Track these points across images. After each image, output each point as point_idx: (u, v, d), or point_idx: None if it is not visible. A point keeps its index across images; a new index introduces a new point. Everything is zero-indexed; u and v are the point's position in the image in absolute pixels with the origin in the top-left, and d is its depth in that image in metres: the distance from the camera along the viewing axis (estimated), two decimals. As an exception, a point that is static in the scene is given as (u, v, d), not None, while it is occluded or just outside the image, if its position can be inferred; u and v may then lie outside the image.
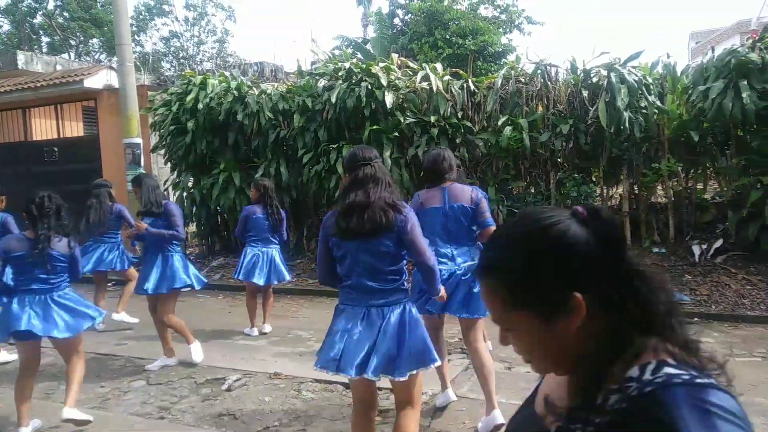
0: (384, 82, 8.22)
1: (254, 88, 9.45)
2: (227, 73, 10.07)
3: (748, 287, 6.51)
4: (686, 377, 0.84)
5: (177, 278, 4.98)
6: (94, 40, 28.56)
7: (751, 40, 7.30)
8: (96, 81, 11.40)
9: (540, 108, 8.10)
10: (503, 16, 18.79)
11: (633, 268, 0.96)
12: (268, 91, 9.25)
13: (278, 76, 14.00)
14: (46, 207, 3.69)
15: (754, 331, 5.76)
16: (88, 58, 26.95)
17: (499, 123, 7.96)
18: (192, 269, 5.22)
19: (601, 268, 0.93)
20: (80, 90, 11.37)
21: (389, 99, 8.08)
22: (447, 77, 8.50)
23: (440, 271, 3.33)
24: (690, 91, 7.37)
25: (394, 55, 9.21)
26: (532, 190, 8.42)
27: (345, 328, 2.83)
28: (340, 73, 8.64)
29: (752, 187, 6.77)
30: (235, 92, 9.22)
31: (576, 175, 7.87)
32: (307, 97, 8.74)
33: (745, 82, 6.60)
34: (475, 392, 4.33)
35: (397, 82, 8.53)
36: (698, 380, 0.84)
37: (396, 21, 19.49)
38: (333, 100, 8.19)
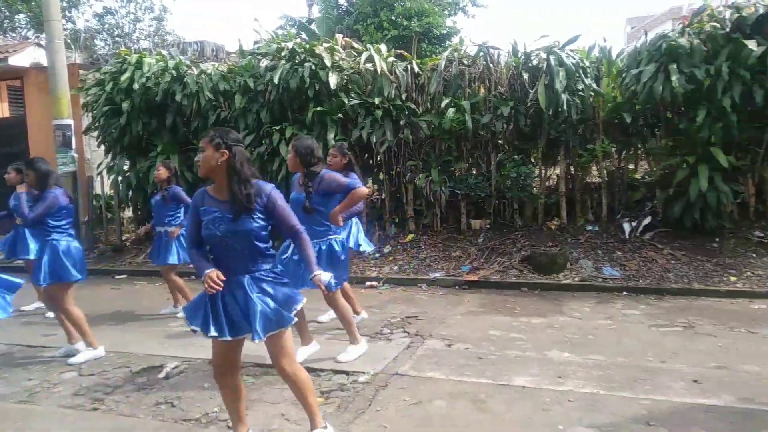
0: (328, 62, 8.13)
1: (193, 68, 9.17)
2: (165, 52, 9.72)
3: (673, 262, 6.88)
4: None
5: (61, 270, 4.76)
6: (21, 16, 26.89)
7: (681, 25, 7.61)
8: (22, 59, 10.80)
9: (482, 90, 8.22)
10: (448, -1, 18.86)
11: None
12: (208, 71, 9.00)
13: (219, 55, 13.64)
14: None
15: (677, 303, 6.10)
16: (14, 35, 25.38)
17: (443, 105, 8.03)
18: (77, 258, 4.91)
19: None
20: (5, 68, 10.75)
21: (333, 80, 8.02)
22: (391, 59, 8.50)
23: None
24: (624, 75, 7.65)
25: (339, 36, 9.12)
26: (474, 172, 8.57)
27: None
28: (283, 53, 8.49)
29: (679, 167, 7.11)
30: (173, 72, 8.92)
31: (516, 157, 8.07)
32: (248, 78, 8.56)
33: (675, 66, 6.89)
34: (416, 370, 4.43)
35: (341, 62, 8.46)
36: None
37: (342, 1, 19.25)
38: (276, 80, 8.04)
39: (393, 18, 16.39)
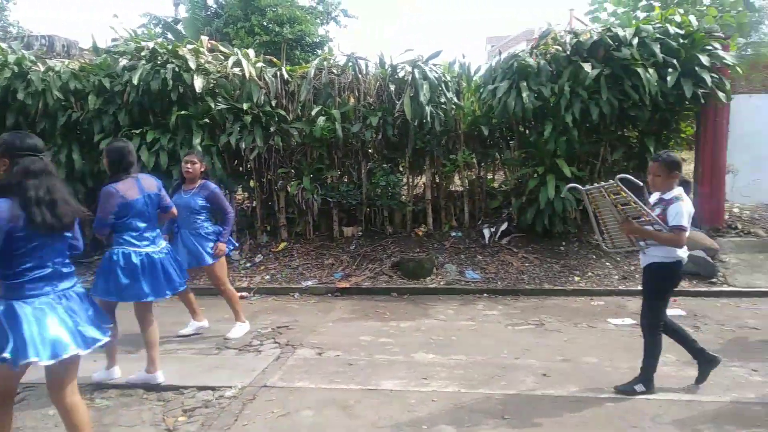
0: (193, 65, 7.80)
1: (39, 64, 8.34)
2: (4, 46, 8.74)
3: (527, 264, 7.47)
4: None
5: None
6: None
7: (531, 47, 8.31)
8: None
9: (351, 99, 8.35)
10: (320, 7, 18.98)
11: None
12: (57, 68, 8.23)
13: (71, 52, 12.51)
14: None
15: (529, 303, 6.63)
16: None
17: (313, 113, 8.05)
18: None
19: None
20: None
21: (198, 83, 7.71)
22: (260, 64, 8.35)
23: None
24: (481, 90, 8.18)
25: (204, 38, 8.79)
26: (346, 180, 8.69)
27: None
28: (143, 53, 8.01)
29: (530, 176, 7.74)
30: (14, 67, 8.05)
31: (385, 165, 8.30)
32: (104, 77, 7.97)
33: (525, 84, 7.51)
34: (286, 381, 4.38)
35: (207, 66, 8.16)
36: None
37: (210, 2, 18.62)
38: (135, 81, 7.56)
39: (265, 23, 16.18)
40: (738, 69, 7.67)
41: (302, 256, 8.18)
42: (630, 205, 3.84)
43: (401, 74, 8.14)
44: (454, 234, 8.31)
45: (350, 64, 8.29)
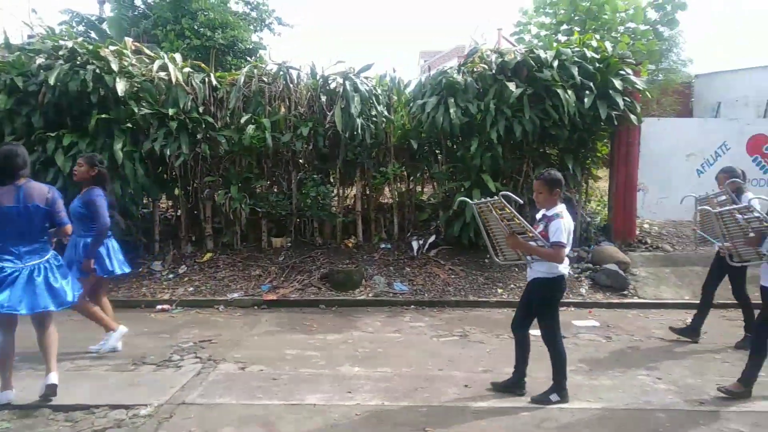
0: (115, 67, 7.50)
1: (-62, 59, 7.76)
2: None
3: (453, 276, 7.64)
4: None
5: None
6: None
7: (458, 64, 8.55)
8: None
9: (282, 109, 8.28)
10: (254, 14, 18.71)
11: None
12: (-39, 65, 7.69)
13: (-20, 47, 11.68)
14: None
15: (455, 314, 6.78)
16: None
17: (242, 121, 7.91)
18: None
19: None
20: None
21: (121, 86, 7.41)
22: (187, 69, 8.14)
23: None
24: (411, 104, 8.33)
25: (128, 39, 8.46)
26: (275, 189, 8.58)
27: None
28: (61, 52, 7.62)
29: (457, 190, 7.94)
30: None
31: (315, 176, 8.26)
32: (17, 76, 7.50)
33: (453, 100, 7.71)
34: (206, 397, 4.26)
35: (131, 68, 7.87)
36: None
37: (138, 2, 17.94)
38: (51, 81, 7.16)
39: (196, 27, 15.74)
40: (648, 93, 8.21)
41: (228, 267, 7.99)
42: (514, 220, 4.00)
43: (333, 85, 8.16)
44: (383, 246, 8.38)
45: (282, 73, 8.23)
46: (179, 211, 8.71)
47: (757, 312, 4.58)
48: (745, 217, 4.17)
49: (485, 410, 4.09)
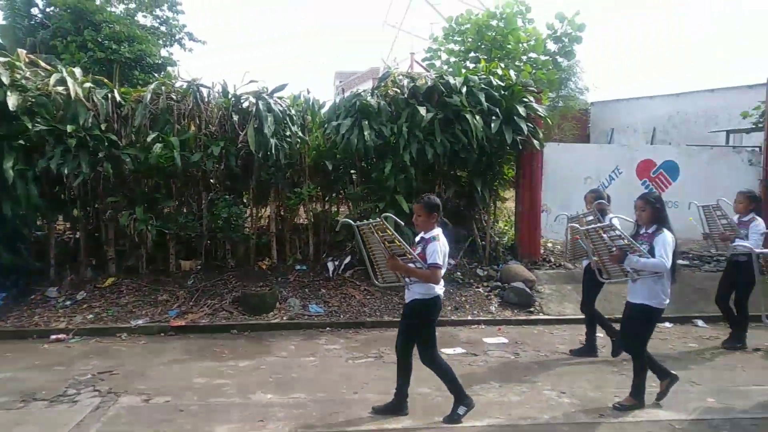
0: (6, 80, 7.01)
1: None
2: None
3: (368, 297, 7.67)
4: None
5: None
6: None
7: (371, 87, 8.70)
8: None
9: (192, 127, 8.02)
10: (163, 28, 18.11)
11: None
12: None
13: None
14: None
15: (371, 335, 6.79)
16: None
17: (149, 139, 7.59)
18: None
19: None
20: None
21: (12, 100, 6.92)
22: (88, 84, 7.72)
23: None
24: (326, 125, 8.36)
25: (21, 51, 7.90)
26: (185, 210, 8.27)
27: None
28: (-59, 63, 7.00)
29: (372, 210, 8.00)
30: None
31: (227, 196, 8.04)
32: None
33: (367, 122, 7.82)
34: (104, 434, 3.99)
35: (24, 81, 7.36)
36: None
37: (35, 11, 16.83)
38: (-71, 94, 6.56)
39: (100, 39, 14.98)
40: (549, 120, 8.73)
41: (133, 293, 7.58)
42: (395, 242, 4.10)
43: (245, 105, 8.02)
44: (298, 267, 8.28)
45: (192, 90, 8.00)
46: (78, 233, 8.18)
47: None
48: (609, 235, 4.51)
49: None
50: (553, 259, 9.20)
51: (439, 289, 4.23)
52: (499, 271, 8.41)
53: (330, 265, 8.18)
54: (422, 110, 7.78)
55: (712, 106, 18.23)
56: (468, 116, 7.82)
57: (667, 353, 6.07)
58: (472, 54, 13.95)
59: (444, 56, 14.73)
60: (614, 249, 4.50)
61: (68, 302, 7.32)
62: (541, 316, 7.51)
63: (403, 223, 4.42)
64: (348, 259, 8.24)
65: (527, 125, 8.26)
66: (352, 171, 8.66)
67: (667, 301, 4.46)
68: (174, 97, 8.06)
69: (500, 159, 8.80)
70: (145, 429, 4.09)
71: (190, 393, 4.83)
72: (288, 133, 8.00)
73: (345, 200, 8.97)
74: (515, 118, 8.17)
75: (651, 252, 4.33)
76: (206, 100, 8.14)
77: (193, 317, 7.07)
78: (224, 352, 6.06)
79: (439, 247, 4.09)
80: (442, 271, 4.14)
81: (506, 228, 9.93)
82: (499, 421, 4.32)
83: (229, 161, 7.89)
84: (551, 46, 14.98)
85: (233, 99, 8.06)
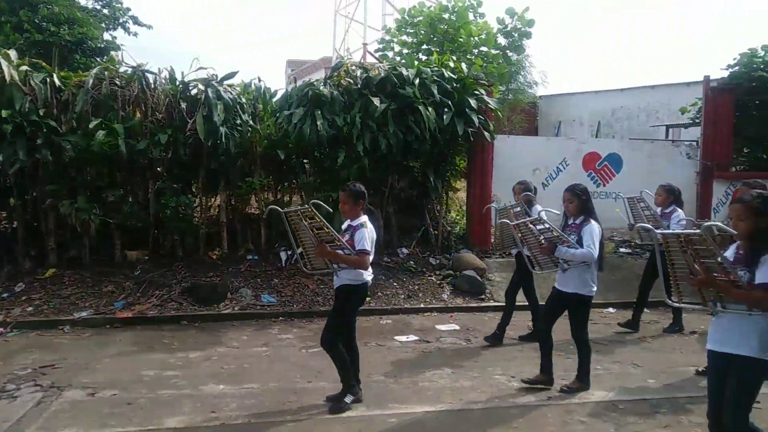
0: (-69, 61, 6.58)
1: None
2: None
3: (322, 286, 7.64)
4: None
5: None
6: None
7: (324, 77, 8.62)
8: None
9: (138, 114, 7.76)
10: (106, 11, 17.39)
11: None
12: None
13: None
14: None
15: (322, 324, 6.74)
16: None
17: (91, 126, 7.29)
18: None
19: None
20: None
21: (-61, 83, 6.51)
22: (25, 67, 7.34)
23: None
24: (278, 115, 8.24)
25: (-49, 31, 7.46)
26: (130, 199, 8.01)
27: None
28: None
29: (325, 200, 7.94)
30: None
31: (175, 185, 7.83)
32: None
33: (319, 112, 7.75)
34: (48, 430, 3.84)
35: (-47, 64, 6.94)
36: None
37: (-37, -12, 15.84)
38: None
39: (37, 21, 14.25)
40: (499, 112, 8.89)
41: (76, 284, 7.30)
42: (323, 229, 4.13)
43: (194, 92, 7.81)
44: (250, 257, 8.16)
45: (137, 76, 7.72)
46: (15, 222, 7.81)
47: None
48: (538, 227, 4.67)
49: (355, 419, 4.14)
50: (502, 249, 9.39)
51: (368, 275, 4.28)
52: (451, 260, 8.54)
53: (282, 255, 8.10)
54: (375, 101, 7.78)
55: (653, 102, 19.02)
56: (421, 108, 7.87)
57: (610, 337, 6.34)
58: (424, 46, 14.01)
59: (397, 48, 14.74)
60: (543, 241, 4.64)
61: (5, 294, 7.00)
62: (492, 303, 7.68)
63: (331, 210, 4.43)
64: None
65: (478, 117, 8.39)
66: (305, 161, 8.58)
67: (595, 288, 4.63)
68: (118, 82, 7.77)
69: (452, 150, 8.91)
70: (91, 423, 3.97)
71: (138, 386, 4.71)
72: (239, 121, 7.85)
73: (298, 190, 8.89)
74: (467, 110, 8.28)
75: (579, 242, 4.50)
76: (153, 86, 7.87)
77: (140, 308, 6.88)
78: (174, 344, 5.93)
79: (366, 233, 4.14)
80: (371, 257, 4.19)
81: (458, 218, 10.08)
82: (452, 405, 4.41)
83: (177, 150, 7.67)
84: (502, 41, 15.22)
85: (181, 86, 7.83)
